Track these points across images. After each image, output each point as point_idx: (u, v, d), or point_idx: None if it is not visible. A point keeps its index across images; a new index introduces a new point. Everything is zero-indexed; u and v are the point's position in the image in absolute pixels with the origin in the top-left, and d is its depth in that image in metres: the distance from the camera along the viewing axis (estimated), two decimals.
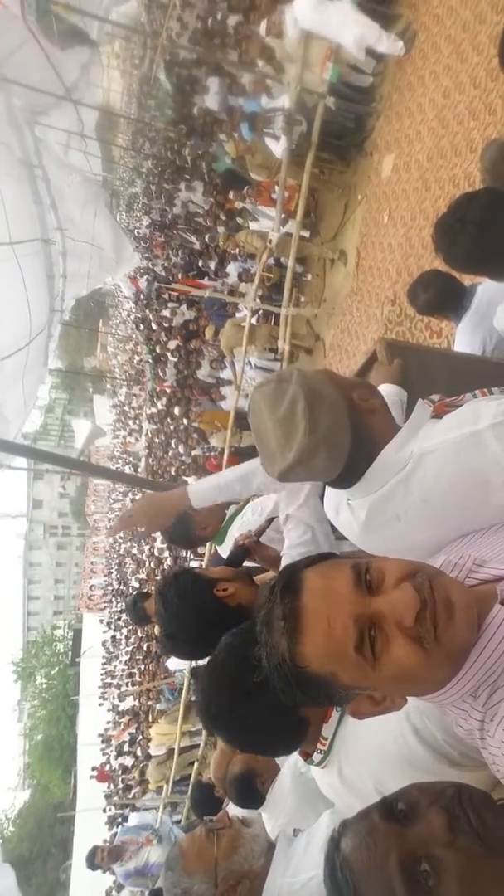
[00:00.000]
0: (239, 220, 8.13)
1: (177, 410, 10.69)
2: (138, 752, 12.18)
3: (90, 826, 14.84)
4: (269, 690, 1.05)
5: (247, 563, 1.78)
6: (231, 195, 8.11)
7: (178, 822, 6.49)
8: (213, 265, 9.25)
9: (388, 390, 1.61)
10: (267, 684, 1.05)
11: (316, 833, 1.20)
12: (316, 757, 1.09)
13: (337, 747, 1.06)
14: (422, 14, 5.37)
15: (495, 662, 0.74)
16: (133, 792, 11.80)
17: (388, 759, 0.96)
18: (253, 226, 7.82)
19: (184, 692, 7.85)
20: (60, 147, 8.26)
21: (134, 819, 8.79)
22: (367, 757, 1.01)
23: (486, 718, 0.75)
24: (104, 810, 13.24)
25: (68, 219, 7.17)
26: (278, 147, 6.27)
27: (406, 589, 0.72)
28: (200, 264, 9.68)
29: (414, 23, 5.47)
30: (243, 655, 1.09)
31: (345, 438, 0.97)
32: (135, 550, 17.28)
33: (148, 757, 10.93)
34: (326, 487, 1.14)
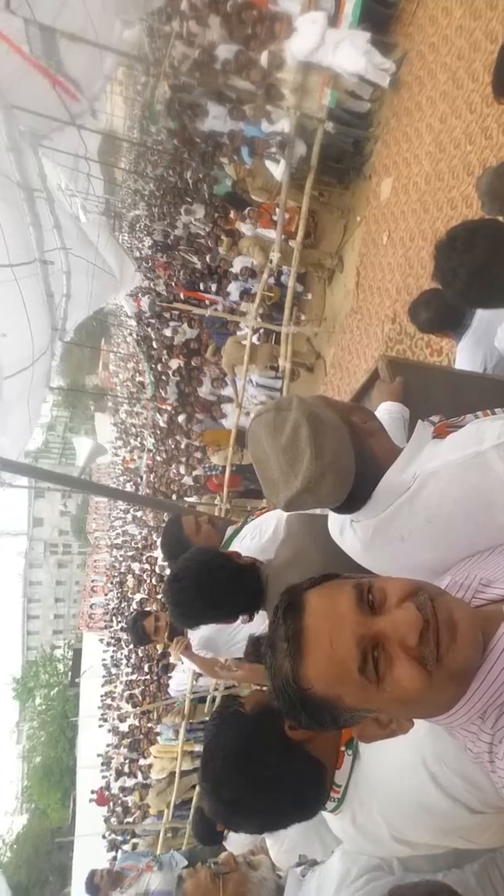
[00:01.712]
0: (239, 241, 8.24)
1: (181, 418, 10.69)
2: (138, 774, 11.96)
3: (89, 852, 14.51)
4: (269, 743, 1.04)
5: None
6: (232, 214, 8.24)
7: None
8: (213, 286, 9.35)
9: (390, 408, 1.62)
10: (264, 740, 1.04)
11: (327, 876, 1.16)
12: (329, 804, 1.06)
13: (350, 794, 1.03)
14: (418, 43, 5.51)
15: (503, 684, 0.74)
16: (133, 817, 11.56)
17: (405, 807, 0.94)
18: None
19: (186, 711, 7.73)
20: (65, 170, 8.42)
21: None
22: (382, 803, 0.98)
23: (494, 741, 0.74)
24: (104, 836, 12.97)
25: (72, 239, 7.27)
26: (278, 170, 6.39)
27: (409, 608, 0.72)
28: (202, 286, 9.79)
29: (410, 51, 5.61)
30: (231, 732, 1.09)
31: (350, 462, 0.96)
32: (136, 569, 17.18)
33: (147, 778, 10.75)
34: (329, 511, 1.13)
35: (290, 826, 1.15)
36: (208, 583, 1.51)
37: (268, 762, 1.04)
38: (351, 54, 5.49)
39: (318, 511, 1.57)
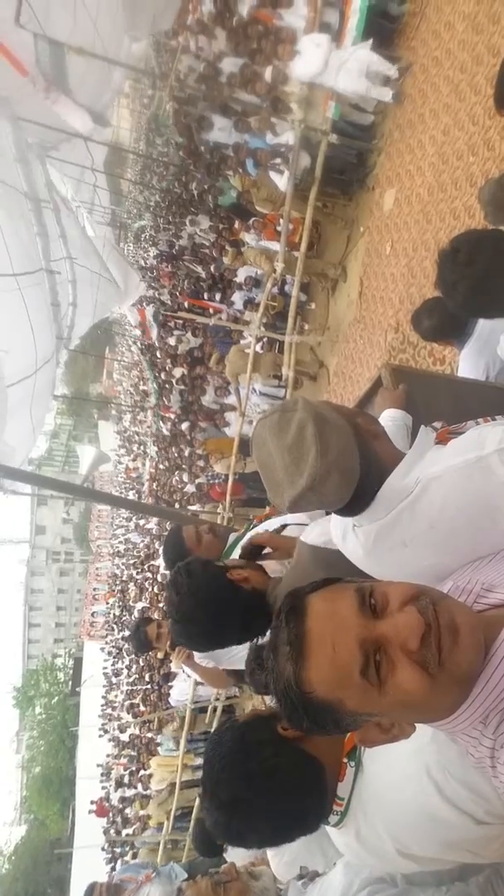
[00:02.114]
0: (243, 250, 8.31)
1: (184, 426, 10.72)
2: (138, 786, 11.86)
3: (88, 864, 14.35)
4: (265, 742, 1.03)
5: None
6: (237, 225, 8.31)
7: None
8: (218, 296, 9.42)
9: (393, 415, 1.63)
10: (263, 742, 1.03)
11: (329, 888, 1.15)
12: (332, 818, 1.04)
13: (353, 807, 1.02)
14: (421, 56, 5.58)
15: None
16: (133, 828, 11.46)
17: (410, 818, 0.93)
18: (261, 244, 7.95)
19: (186, 722, 7.68)
20: (72, 181, 8.51)
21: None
22: (387, 816, 0.96)
23: (496, 746, 0.74)
24: (103, 848, 12.84)
25: (78, 249, 7.34)
26: (282, 181, 6.46)
27: (410, 612, 0.72)
28: (206, 297, 9.87)
29: (413, 65, 5.68)
30: (227, 743, 1.08)
31: (355, 462, 0.97)
32: (138, 577, 17.13)
33: (147, 789, 10.66)
34: (332, 514, 1.13)
35: (295, 839, 1.12)
36: (215, 622, 1.47)
37: (262, 755, 1.03)
38: (353, 76, 5.57)
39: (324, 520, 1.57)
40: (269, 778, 1.03)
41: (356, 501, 0.99)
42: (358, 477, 0.97)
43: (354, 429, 1.00)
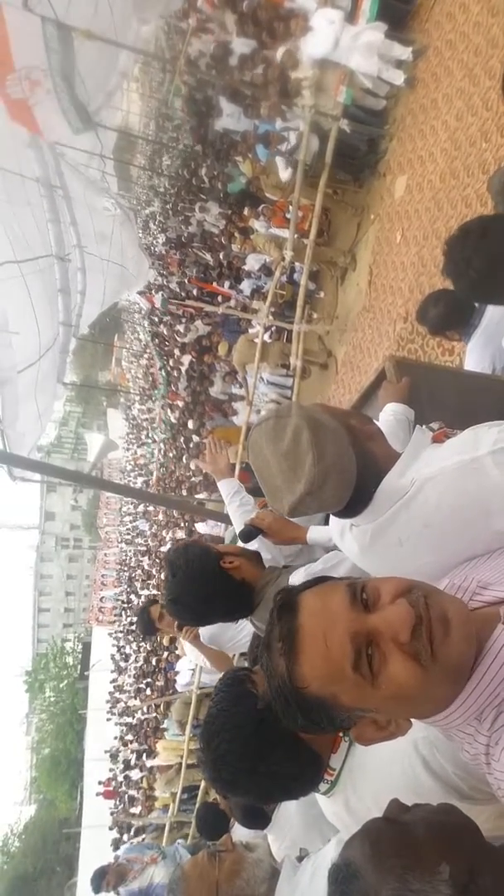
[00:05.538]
0: (252, 237, 8.25)
1: (190, 424, 10.76)
2: (145, 767, 12.06)
3: (96, 843, 14.66)
4: (277, 738, 1.04)
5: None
6: (246, 212, 8.25)
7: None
8: (227, 284, 9.37)
9: (395, 409, 1.62)
10: (273, 734, 1.04)
11: (322, 862, 1.17)
12: (322, 787, 1.07)
13: (344, 778, 1.04)
14: (435, 39, 5.47)
15: (499, 684, 0.74)
16: (139, 809, 11.67)
17: (396, 791, 0.92)
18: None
19: (192, 706, 7.77)
20: (81, 167, 8.47)
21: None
22: (375, 788, 0.98)
23: (491, 742, 0.74)
24: (110, 828, 13.09)
25: (91, 235, 7.32)
26: (286, 173, 6.38)
27: (401, 604, 0.72)
28: (215, 285, 9.82)
29: (427, 48, 5.57)
30: (241, 714, 1.09)
31: (351, 465, 0.97)
32: (145, 563, 17.28)
33: (153, 770, 10.84)
34: (331, 515, 1.14)
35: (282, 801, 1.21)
36: (201, 605, 1.61)
37: (273, 758, 1.05)
38: (366, 55, 5.47)
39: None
40: (273, 779, 1.06)
41: (354, 503, 1.00)
42: (355, 479, 0.97)
43: (349, 431, 1.00)
